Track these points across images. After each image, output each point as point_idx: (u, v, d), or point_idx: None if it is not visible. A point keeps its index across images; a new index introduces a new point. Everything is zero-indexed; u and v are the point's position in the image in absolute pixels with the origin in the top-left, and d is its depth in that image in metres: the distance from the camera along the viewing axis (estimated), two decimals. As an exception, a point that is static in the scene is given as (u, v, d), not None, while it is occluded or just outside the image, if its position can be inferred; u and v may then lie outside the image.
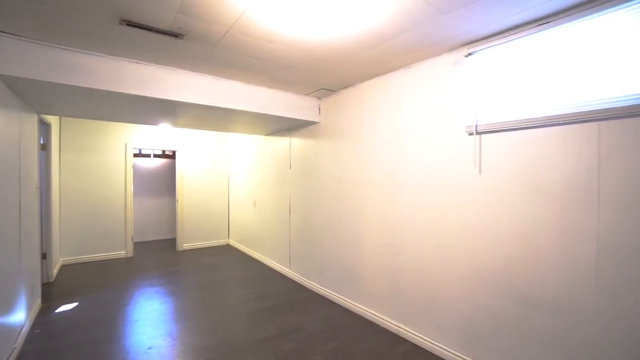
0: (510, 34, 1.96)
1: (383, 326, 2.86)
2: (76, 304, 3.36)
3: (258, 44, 2.24)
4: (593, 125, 1.66)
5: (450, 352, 2.33)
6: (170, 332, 2.77)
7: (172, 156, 6.93)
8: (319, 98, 3.73)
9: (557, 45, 1.79)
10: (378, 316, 2.93)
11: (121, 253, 5.31)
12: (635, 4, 1.52)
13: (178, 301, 3.48)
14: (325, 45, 2.25)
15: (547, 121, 1.83)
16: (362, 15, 1.83)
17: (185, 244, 5.94)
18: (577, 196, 1.72)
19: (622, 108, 1.55)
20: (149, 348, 2.51)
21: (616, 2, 1.56)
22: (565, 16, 1.73)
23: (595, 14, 1.63)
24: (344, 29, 2.01)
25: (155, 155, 6.86)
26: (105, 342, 2.59)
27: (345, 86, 3.27)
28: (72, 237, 4.91)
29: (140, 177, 6.66)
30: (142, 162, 6.76)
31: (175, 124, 4.25)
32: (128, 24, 1.94)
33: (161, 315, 3.13)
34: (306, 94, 3.59)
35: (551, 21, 1.78)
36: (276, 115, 3.42)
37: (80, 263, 4.93)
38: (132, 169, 5.43)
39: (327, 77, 2.98)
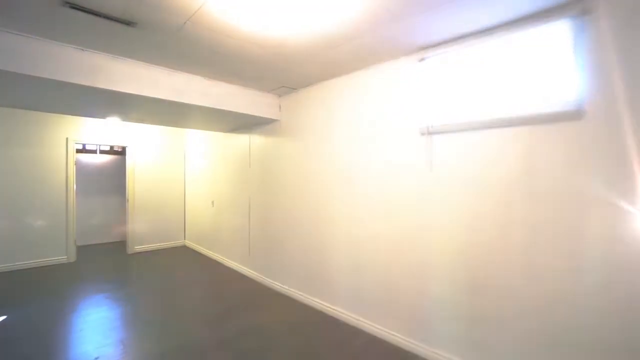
0: (458, 42, 2.14)
1: (344, 320, 2.94)
2: (4, 317, 2.99)
3: (218, 38, 2.19)
4: (525, 128, 1.88)
5: (404, 339, 2.47)
6: (122, 340, 2.59)
7: (121, 152, 6.45)
8: (280, 96, 3.72)
9: (496, 55, 2.00)
10: (339, 311, 3.01)
11: (62, 258, 4.83)
12: (561, 22, 1.74)
13: (130, 307, 3.27)
14: (286, 43, 2.26)
15: (488, 124, 2.03)
16: (321, 15, 1.88)
17: (137, 247, 5.57)
18: (512, 192, 1.93)
19: (548, 114, 1.78)
20: (96, 358, 2.33)
21: (548, 19, 1.78)
22: (507, 29, 1.93)
23: (528, 29, 1.84)
24: (304, 28, 2.04)
25: (102, 152, 6.35)
26: (42, 355, 2.36)
27: (307, 85, 3.31)
28: None
29: (85, 175, 6.10)
30: (88, 159, 6.21)
31: (126, 118, 3.98)
32: (72, 7, 1.79)
33: (110, 322, 2.91)
34: (267, 91, 3.57)
35: (492, 33, 1.98)
36: (236, 112, 3.35)
37: (9, 271, 4.38)
38: (74, 166, 4.96)
39: (288, 75, 3.00)
